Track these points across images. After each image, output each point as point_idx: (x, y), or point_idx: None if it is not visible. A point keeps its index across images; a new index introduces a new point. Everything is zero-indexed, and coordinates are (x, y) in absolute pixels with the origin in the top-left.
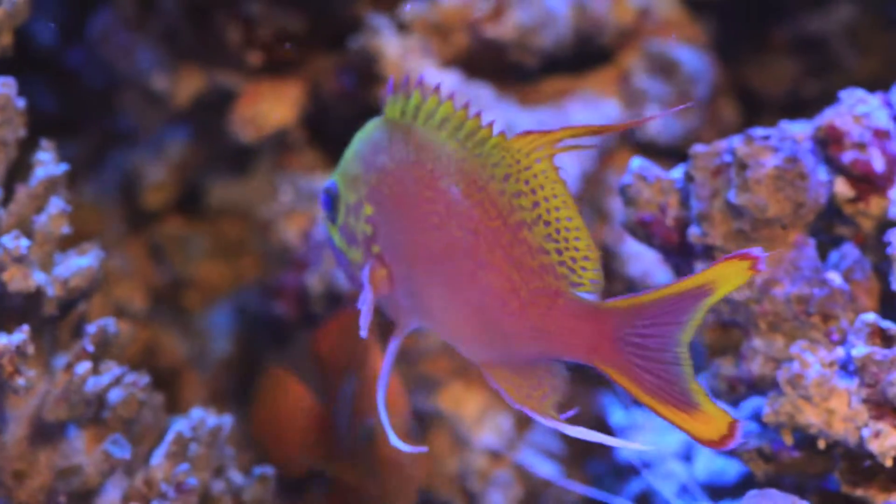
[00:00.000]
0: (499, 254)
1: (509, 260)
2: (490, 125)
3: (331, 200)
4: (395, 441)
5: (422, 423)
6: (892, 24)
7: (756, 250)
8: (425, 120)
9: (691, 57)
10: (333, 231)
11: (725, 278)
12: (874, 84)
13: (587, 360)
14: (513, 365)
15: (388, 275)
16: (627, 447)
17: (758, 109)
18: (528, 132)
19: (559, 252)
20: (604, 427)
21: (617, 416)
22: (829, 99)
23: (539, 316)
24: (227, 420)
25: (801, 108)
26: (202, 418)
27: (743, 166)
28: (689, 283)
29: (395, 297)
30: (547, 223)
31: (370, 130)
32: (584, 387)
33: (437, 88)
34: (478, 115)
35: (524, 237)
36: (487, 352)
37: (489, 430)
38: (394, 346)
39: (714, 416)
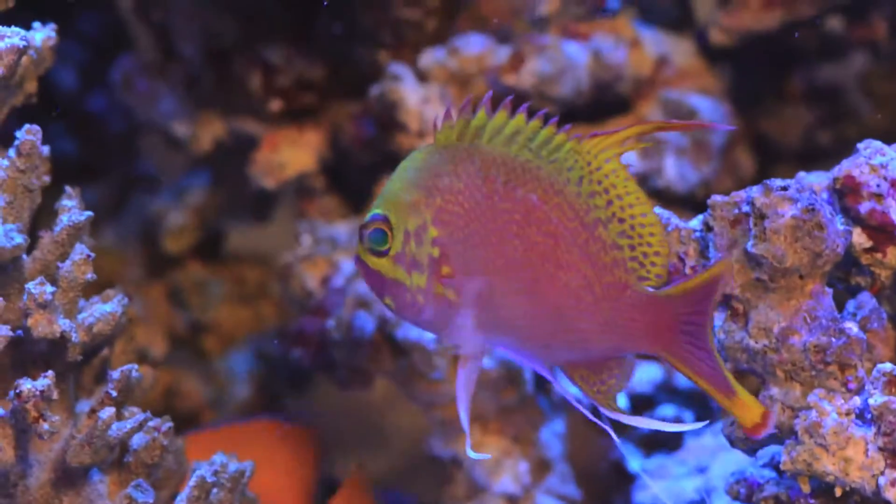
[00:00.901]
0: (576, 252)
1: (585, 257)
2: (567, 131)
3: (383, 232)
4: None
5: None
6: None
7: None
8: (491, 137)
9: (708, 106)
10: (383, 263)
11: None
12: (888, 134)
13: (649, 349)
14: (585, 362)
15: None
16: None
17: (773, 158)
18: (595, 133)
19: (632, 248)
20: (622, 474)
21: (634, 463)
22: (844, 148)
23: (609, 309)
24: (248, 465)
25: (816, 157)
26: (224, 463)
27: (761, 216)
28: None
29: (462, 320)
30: (621, 220)
31: (423, 157)
32: (602, 433)
33: (506, 105)
34: (554, 123)
35: (599, 234)
36: (565, 352)
37: (506, 476)
38: (471, 369)
39: (749, 405)
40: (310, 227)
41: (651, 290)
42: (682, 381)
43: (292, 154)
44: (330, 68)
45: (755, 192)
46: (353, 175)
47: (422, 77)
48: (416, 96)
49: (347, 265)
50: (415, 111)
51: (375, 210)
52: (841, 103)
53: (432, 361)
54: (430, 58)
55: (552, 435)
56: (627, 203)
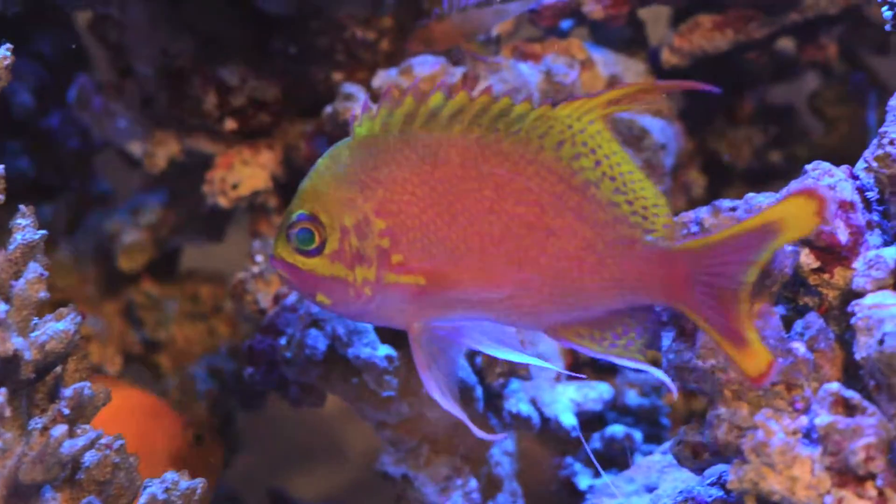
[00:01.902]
0: (569, 216)
1: (580, 219)
2: (526, 99)
3: (311, 231)
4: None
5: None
6: (855, 94)
7: (822, 189)
8: (426, 122)
9: (659, 126)
10: (315, 262)
11: (794, 221)
12: (838, 154)
13: (665, 302)
14: (592, 320)
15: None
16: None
17: (724, 178)
18: (574, 98)
19: (629, 203)
20: (572, 493)
21: (585, 482)
22: (795, 168)
23: (617, 266)
24: (199, 482)
25: (767, 177)
26: (175, 480)
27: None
28: (756, 221)
29: (425, 301)
30: (612, 178)
31: (348, 153)
32: (553, 451)
33: (440, 87)
34: (508, 95)
35: (592, 195)
36: (566, 314)
37: (456, 494)
38: (426, 346)
39: (759, 354)
40: (263, 245)
41: (665, 243)
42: (632, 399)
43: (246, 173)
44: (284, 88)
45: (704, 212)
46: None
47: (375, 97)
48: None
49: None
50: None
51: (300, 210)
52: (792, 124)
53: (383, 380)
54: (384, 78)
55: (502, 453)
56: (616, 161)
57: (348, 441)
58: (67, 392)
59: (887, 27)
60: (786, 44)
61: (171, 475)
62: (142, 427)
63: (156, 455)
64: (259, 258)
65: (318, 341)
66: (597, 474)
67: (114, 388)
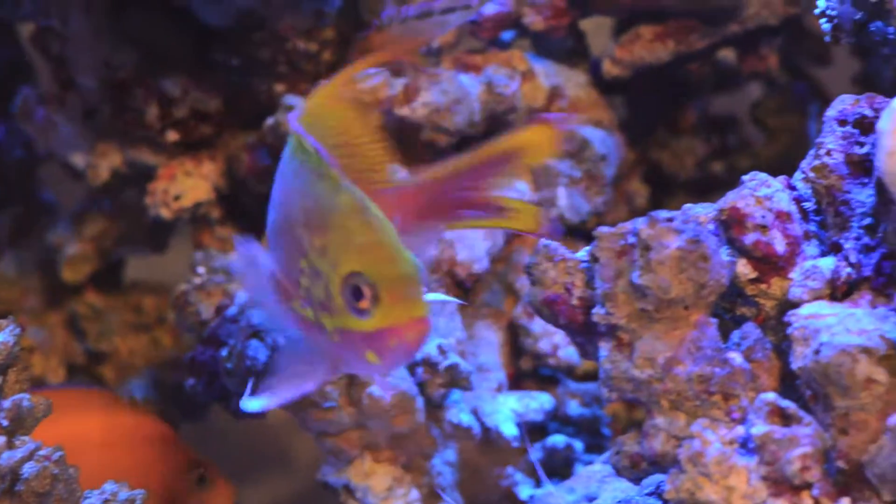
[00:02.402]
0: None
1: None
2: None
3: None
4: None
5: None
6: (797, 105)
7: (554, 115)
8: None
9: (600, 137)
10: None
11: (533, 148)
12: (780, 164)
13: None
14: None
15: None
16: None
17: (667, 189)
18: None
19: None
20: (514, 502)
21: (526, 491)
22: (737, 179)
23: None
24: (139, 493)
25: (710, 187)
26: (115, 491)
27: (647, 248)
28: (498, 148)
29: None
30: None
31: None
32: (495, 461)
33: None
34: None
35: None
36: None
37: (397, 503)
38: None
39: (524, 210)
40: (205, 256)
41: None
42: (573, 409)
43: (189, 184)
44: (226, 100)
45: (641, 223)
46: (249, 204)
47: None
48: None
49: (241, 295)
50: None
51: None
52: (734, 134)
53: (324, 390)
54: None
55: (444, 463)
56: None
57: (292, 452)
58: (6, 403)
59: (826, 38)
60: (727, 54)
61: (110, 486)
62: (139, 458)
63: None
64: (201, 269)
65: (258, 352)
66: (538, 484)
67: (125, 412)
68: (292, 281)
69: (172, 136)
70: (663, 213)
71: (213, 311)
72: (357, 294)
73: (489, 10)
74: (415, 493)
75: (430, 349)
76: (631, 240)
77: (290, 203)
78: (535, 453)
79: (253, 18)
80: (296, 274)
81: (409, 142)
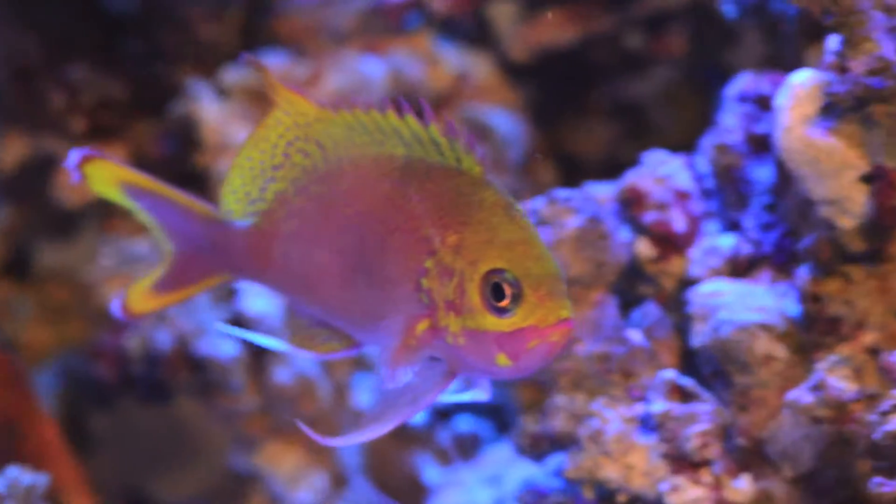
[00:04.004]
0: None
1: None
2: None
3: None
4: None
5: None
6: (703, 87)
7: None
8: None
9: (506, 121)
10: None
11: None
12: (688, 146)
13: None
14: None
15: None
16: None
17: (577, 172)
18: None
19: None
20: (416, 486)
21: (430, 473)
22: None
23: None
24: (42, 478)
25: (618, 170)
26: (17, 477)
27: (546, 227)
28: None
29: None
30: None
31: None
32: (402, 444)
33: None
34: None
35: None
36: None
37: (305, 489)
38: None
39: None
40: (112, 244)
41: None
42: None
43: None
44: (133, 87)
45: (539, 203)
46: None
47: (222, 94)
48: (215, 114)
49: None
50: (214, 128)
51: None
52: (643, 118)
53: (229, 376)
54: (231, 75)
55: (350, 447)
56: None
57: (201, 438)
58: None
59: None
60: (634, 38)
61: (12, 470)
62: None
63: None
64: (108, 257)
65: (164, 338)
66: (444, 465)
67: None
68: (404, 286)
69: (79, 124)
70: (562, 193)
71: None
72: (498, 292)
73: None
74: (321, 478)
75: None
76: (532, 220)
77: (405, 203)
78: (440, 436)
79: (158, 5)
80: (413, 276)
81: None
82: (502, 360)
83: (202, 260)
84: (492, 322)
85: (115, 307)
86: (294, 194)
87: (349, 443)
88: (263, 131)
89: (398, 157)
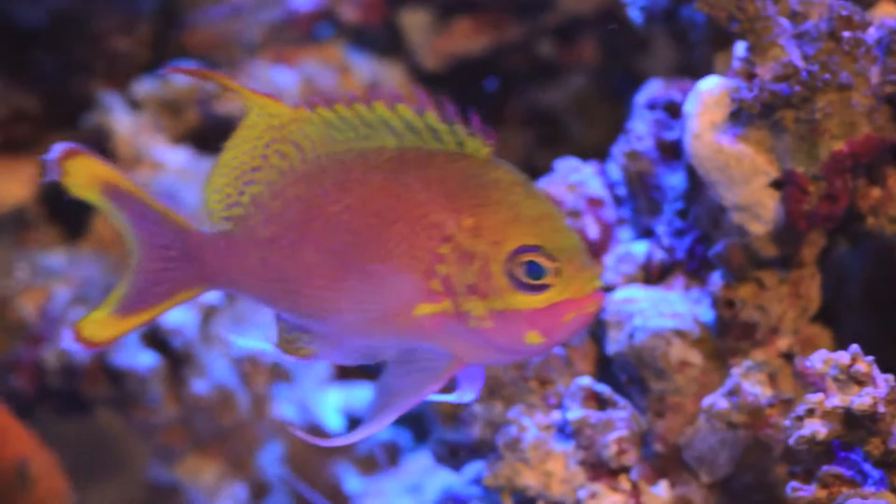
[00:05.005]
0: None
1: None
2: None
3: None
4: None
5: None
6: (616, 94)
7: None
8: None
9: None
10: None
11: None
12: (600, 153)
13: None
14: None
15: None
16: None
17: None
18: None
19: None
20: (338, 495)
21: (352, 482)
22: None
23: None
24: None
25: (533, 178)
26: None
27: None
28: None
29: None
30: None
31: None
32: (322, 453)
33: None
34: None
35: None
36: None
37: (225, 500)
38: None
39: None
40: (26, 257)
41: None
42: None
43: (9, 186)
44: (45, 100)
45: None
46: (70, 204)
47: (134, 106)
48: (127, 125)
49: (63, 294)
50: (126, 140)
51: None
52: (556, 125)
53: (146, 387)
54: (143, 87)
55: (271, 458)
56: None
57: (120, 450)
58: None
59: (638, 26)
60: (546, 46)
61: None
62: None
63: None
64: (22, 270)
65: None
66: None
67: None
68: (409, 276)
69: None
70: None
71: (34, 310)
72: (534, 269)
73: (304, 5)
74: (242, 489)
75: (254, 343)
76: None
77: (405, 192)
78: (360, 445)
79: (69, 18)
80: (421, 265)
81: (228, 137)
82: (533, 337)
83: (172, 273)
84: (522, 300)
85: (66, 340)
86: (270, 198)
87: (352, 440)
88: (243, 132)
89: (388, 150)
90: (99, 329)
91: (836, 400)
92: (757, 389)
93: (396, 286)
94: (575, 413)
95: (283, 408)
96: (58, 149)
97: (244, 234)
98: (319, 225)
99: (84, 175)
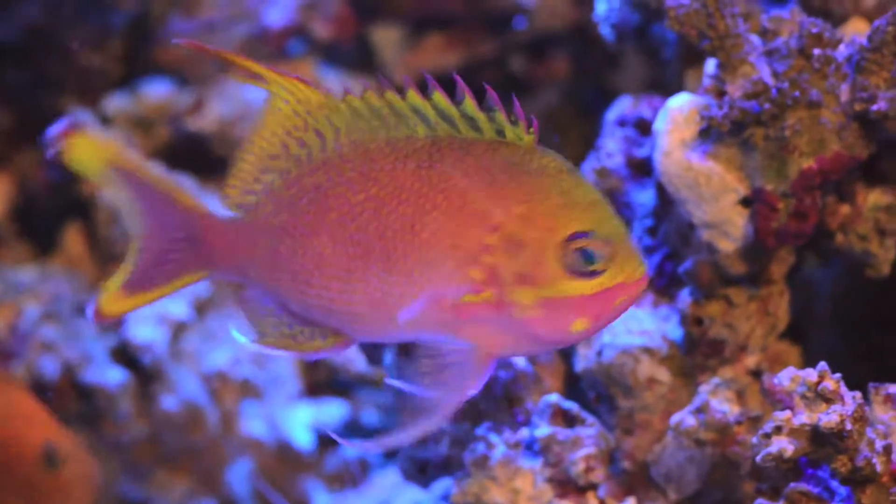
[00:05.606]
0: None
1: None
2: None
3: None
4: None
5: None
6: (588, 110)
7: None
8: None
9: None
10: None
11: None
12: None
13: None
14: None
15: None
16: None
17: None
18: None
19: None
20: None
21: (320, 499)
22: None
23: None
24: None
25: None
26: None
27: None
28: None
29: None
30: None
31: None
32: (291, 469)
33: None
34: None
35: None
36: None
37: None
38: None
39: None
40: None
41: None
42: (369, 418)
43: None
44: (16, 115)
45: None
46: (42, 221)
47: (105, 122)
48: None
49: (33, 310)
50: None
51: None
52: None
53: (115, 403)
54: (114, 103)
55: (240, 474)
56: None
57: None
58: None
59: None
60: (517, 61)
61: None
62: None
63: None
64: None
65: (50, 366)
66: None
67: None
68: (445, 265)
69: None
70: None
71: (5, 327)
72: (586, 254)
73: (276, 21)
74: None
75: (224, 361)
76: None
77: (442, 181)
78: (328, 462)
79: (40, 33)
80: (462, 254)
81: (200, 154)
82: (579, 324)
83: (178, 255)
84: (575, 287)
85: (89, 310)
86: (284, 186)
87: (396, 444)
88: (266, 118)
89: (419, 138)
90: (110, 302)
91: (804, 417)
92: (725, 407)
93: (430, 276)
94: (543, 430)
95: (253, 424)
96: (61, 124)
97: (256, 220)
98: (337, 215)
99: (86, 151)
